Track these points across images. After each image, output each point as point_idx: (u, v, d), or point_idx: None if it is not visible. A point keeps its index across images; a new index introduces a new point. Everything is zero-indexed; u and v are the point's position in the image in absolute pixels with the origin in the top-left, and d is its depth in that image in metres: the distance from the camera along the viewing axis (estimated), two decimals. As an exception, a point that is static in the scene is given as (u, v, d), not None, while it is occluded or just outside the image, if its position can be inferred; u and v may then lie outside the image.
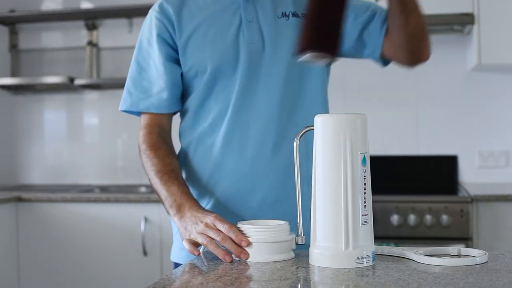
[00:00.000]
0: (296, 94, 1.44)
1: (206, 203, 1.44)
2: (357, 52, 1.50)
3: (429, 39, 1.42)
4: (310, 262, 1.11)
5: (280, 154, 1.41)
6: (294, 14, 1.44)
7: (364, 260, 1.08)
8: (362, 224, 1.09)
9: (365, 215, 1.09)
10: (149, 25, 1.48)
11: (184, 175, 1.48)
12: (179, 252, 1.48)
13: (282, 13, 1.44)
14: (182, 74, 1.47)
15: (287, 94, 1.43)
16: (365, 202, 1.09)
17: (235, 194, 1.41)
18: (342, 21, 1.12)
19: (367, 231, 1.10)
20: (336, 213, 1.08)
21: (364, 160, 1.10)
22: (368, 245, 1.09)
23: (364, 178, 1.10)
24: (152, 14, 1.48)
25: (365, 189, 1.09)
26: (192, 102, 1.47)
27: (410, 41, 1.38)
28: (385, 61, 1.51)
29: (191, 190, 1.41)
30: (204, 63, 1.42)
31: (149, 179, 1.43)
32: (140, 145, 1.47)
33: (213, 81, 1.43)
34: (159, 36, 1.45)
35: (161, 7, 1.46)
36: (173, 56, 1.45)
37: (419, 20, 1.36)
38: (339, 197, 1.08)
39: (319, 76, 1.47)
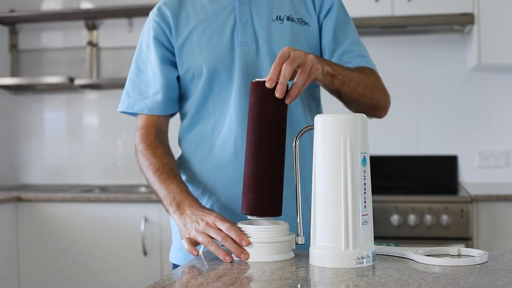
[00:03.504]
0: None
1: (205, 203, 1.44)
2: None
3: (380, 96, 1.48)
4: (310, 262, 1.11)
5: None
6: (289, 18, 1.45)
7: (364, 260, 1.08)
8: (362, 224, 1.09)
9: (365, 215, 1.09)
10: (148, 28, 1.49)
11: (184, 177, 1.48)
12: (177, 253, 1.48)
13: (277, 16, 1.44)
14: (179, 77, 1.47)
15: None
16: (365, 202, 1.09)
17: (234, 196, 1.41)
18: (281, 182, 1.19)
19: (367, 231, 1.10)
20: (336, 213, 1.08)
21: (364, 160, 1.10)
22: (368, 245, 1.09)
23: (364, 178, 1.10)
24: (151, 17, 1.49)
25: (365, 189, 1.09)
26: (191, 105, 1.47)
27: (359, 108, 1.46)
28: None
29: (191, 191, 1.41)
30: (200, 65, 1.43)
31: (147, 179, 1.43)
32: (137, 145, 1.47)
33: (210, 83, 1.43)
34: (156, 38, 1.46)
35: (159, 10, 1.48)
36: (169, 58, 1.46)
37: (356, 89, 1.42)
38: (339, 197, 1.08)
39: None
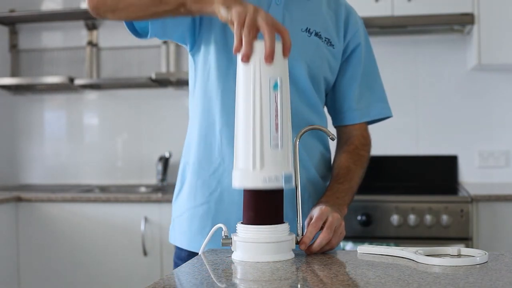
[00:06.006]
0: (304, 105, 1.44)
1: (213, 191, 1.43)
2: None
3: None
4: (233, 184, 1.15)
5: None
6: (316, 34, 1.44)
7: (274, 181, 1.10)
8: (273, 146, 1.11)
9: (277, 138, 1.12)
10: None
11: (191, 163, 1.46)
12: (181, 236, 1.47)
13: (307, 28, 1.43)
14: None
15: (298, 103, 1.42)
16: (276, 125, 1.12)
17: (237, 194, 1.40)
18: (281, 195, 1.18)
19: (280, 155, 1.12)
20: (246, 135, 1.13)
21: (276, 85, 1.13)
22: (278, 168, 1.12)
23: (276, 102, 1.12)
24: None
25: (276, 113, 1.12)
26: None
27: None
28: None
29: (197, 178, 1.41)
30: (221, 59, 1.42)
31: None
32: None
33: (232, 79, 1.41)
34: None
35: None
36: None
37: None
38: (249, 120, 1.12)
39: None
